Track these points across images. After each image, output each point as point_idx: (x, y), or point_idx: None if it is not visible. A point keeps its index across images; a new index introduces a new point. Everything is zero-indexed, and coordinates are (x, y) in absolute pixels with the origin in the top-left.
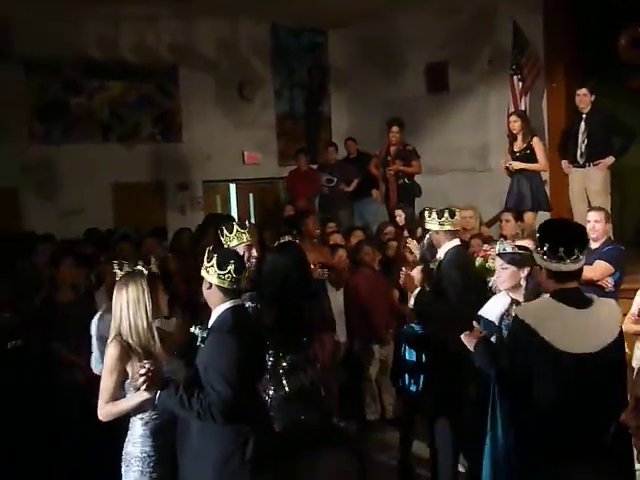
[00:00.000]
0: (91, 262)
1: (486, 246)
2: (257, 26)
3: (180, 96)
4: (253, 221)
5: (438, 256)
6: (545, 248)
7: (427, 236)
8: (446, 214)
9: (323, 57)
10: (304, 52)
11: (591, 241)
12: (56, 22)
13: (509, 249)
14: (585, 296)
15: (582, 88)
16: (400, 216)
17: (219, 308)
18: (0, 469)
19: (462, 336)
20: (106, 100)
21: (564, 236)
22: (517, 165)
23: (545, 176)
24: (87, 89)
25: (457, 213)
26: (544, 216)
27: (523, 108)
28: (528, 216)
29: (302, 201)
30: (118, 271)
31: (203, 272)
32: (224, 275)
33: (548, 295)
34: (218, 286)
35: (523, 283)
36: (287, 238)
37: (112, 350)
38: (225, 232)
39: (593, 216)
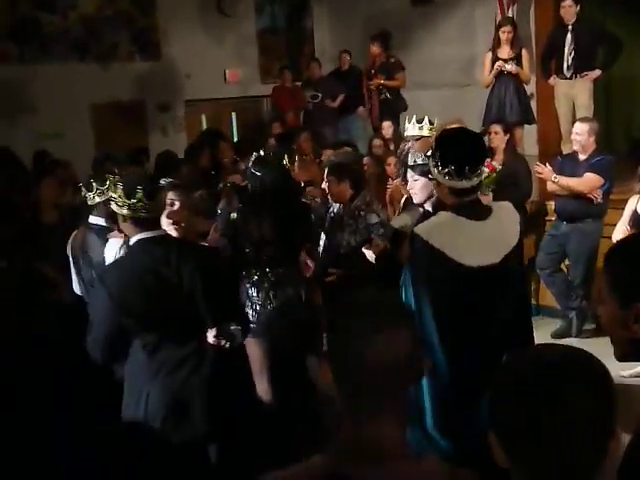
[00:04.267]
0: (76, 183)
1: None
2: None
3: (158, 12)
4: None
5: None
6: (445, 168)
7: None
8: (425, 120)
9: None
10: None
11: (579, 153)
12: None
13: (420, 160)
14: (484, 206)
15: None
16: (390, 127)
17: (131, 240)
18: None
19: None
20: (80, 18)
21: (464, 153)
22: (512, 68)
23: (531, 89)
24: (59, 6)
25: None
26: (530, 129)
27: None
28: (518, 131)
29: (290, 117)
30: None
31: (112, 205)
32: (135, 205)
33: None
34: (130, 217)
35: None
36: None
37: None
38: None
39: (579, 127)
